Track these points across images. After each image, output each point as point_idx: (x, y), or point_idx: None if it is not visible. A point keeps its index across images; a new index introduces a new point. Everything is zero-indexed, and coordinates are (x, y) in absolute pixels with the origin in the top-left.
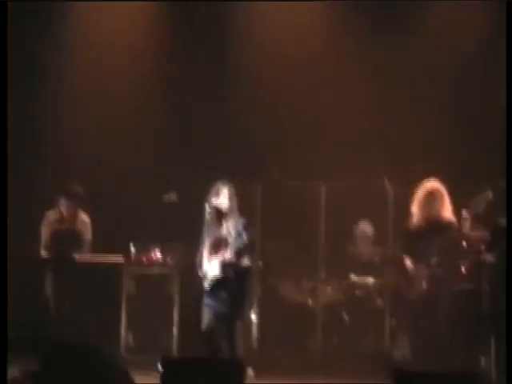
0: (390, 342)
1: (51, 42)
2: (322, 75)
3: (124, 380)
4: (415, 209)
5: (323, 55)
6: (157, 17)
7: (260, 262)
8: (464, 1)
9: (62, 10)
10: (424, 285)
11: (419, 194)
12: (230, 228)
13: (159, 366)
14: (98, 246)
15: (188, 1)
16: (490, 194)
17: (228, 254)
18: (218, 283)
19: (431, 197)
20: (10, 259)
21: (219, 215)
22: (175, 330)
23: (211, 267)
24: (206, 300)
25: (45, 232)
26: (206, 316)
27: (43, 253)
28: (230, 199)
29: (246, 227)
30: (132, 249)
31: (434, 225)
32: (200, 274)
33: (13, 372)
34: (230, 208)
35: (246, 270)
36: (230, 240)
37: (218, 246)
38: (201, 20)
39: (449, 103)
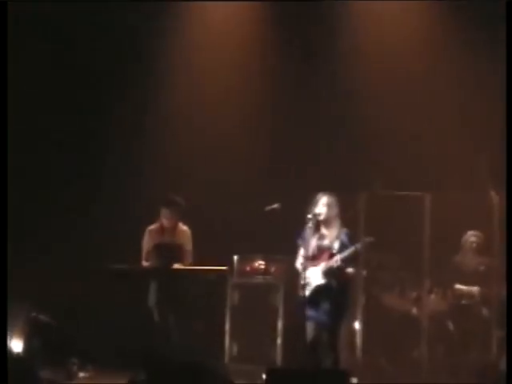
0: (497, 354)
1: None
2: (426, 88)
3: None
4: None
5: (430, 64)
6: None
7: (364, 272)
8: None
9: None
10: None
11: None
12: (332, 237)
13: (263, 377)
14: (202, 258)
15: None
16: None
17: (331, 263)
18: (320, 292)
19: None
20: (115, 273)
21: (319, 223)
22: (279, 341)
23: (313, 276)
24: (309, 310)
25: (146, 244)
26: (310, 326)
27: (145, 264)
28: (331, 208)
29: (350, 237)
30: (235, 260)
31: None
32: (301, 282)
33: (120, 381)
34: (331, 216)
35: (349, 280)
36: (333, 249)
37: (319, 254)
38: (305, 20)
39: None
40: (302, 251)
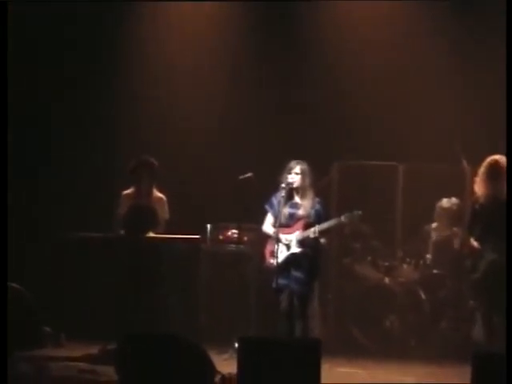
0: (469, 322)
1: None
2: (401, 62)
3: (202, 360)
4: (477, 186)
5: (404, 47)
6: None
7: (337, 242)
8: None
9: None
10: (490, 265)
11: (482, 169)
12: (306, 206)
13: (236, 345)
14: (175, 225)
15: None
16: None
17: (307, 232)
18: (293, 260)
19: (496, 171)
20: (86, 239)
21: (292, 191)
22: (252, 309)
23: (286, 244)
24: (282, 277)
25: (121, 209)
26: (283, 296)
27: (119, 229)
28: (305, 176)
29: (324, 206)
30: (208, 228)
31: (498, 202)
32: (274, 248)
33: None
34: (305, 185)
35: (322, 250)
36: (309, 218)
37: (293, 223)
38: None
39: None
40: (270, 217)
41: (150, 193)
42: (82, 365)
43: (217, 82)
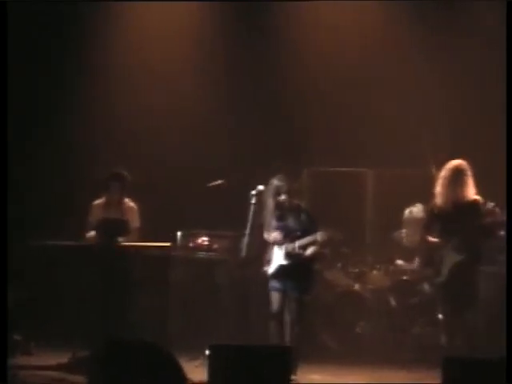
0: (439, 328)
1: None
2: (369, 66)
3: (172, 368)
4: (439, 188)
5: (368, 48)
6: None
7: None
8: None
9: (109, 11)
10: (452, 268)
11: (443, 172)
12: (294, 219)
13: (207, 353)
14: (146, 234)
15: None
16: None
17: (292, 246)
18: (283, 271)
19: (456, 175)
20: (57, 247)
21: (283, 206)
22: (223, 317)
23: (277, 255)
24: (275, 284)
25: (91, 219)
26: (276, 298)
27: (89, 239)
28: (292, 194)
29: (311, 219)
30: (179, 236)
31: (458, 205)
32: (265, 259)
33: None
34: (293, 202)
35: (309, 260)
36: (296, 231)
37: (283, 235)
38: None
39: (493, 93)
40: (266, 229)
41: (121, 203)
42: (52, 373)
43: (189, 91)
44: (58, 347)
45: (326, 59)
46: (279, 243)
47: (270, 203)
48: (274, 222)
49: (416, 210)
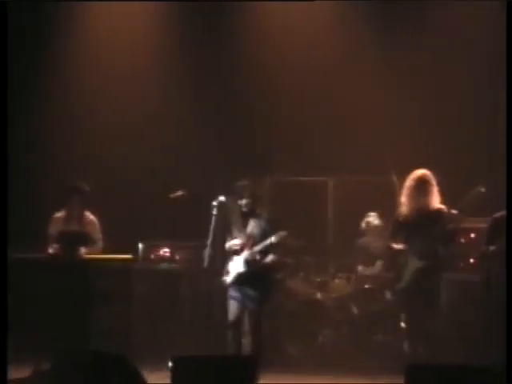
0: (401, 335)
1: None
2: (330, 73)
3: (134, 379)
4: (404, 198)
5: (333, 54)
6: (163, 16)
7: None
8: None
9: (69, 11)
10: (415, 275)
11: (408, 182)
12: (254, 225)
13: (170, 365)
14: (108, 245)
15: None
16: (482, 191)
17: (251, 253)
18: (242, 279)
19: (421, 185)
20: (18, 260)
21: (243, 214)
22: (185, 328)
23: (235, 263)
24: (232, 293)
25: (52, 232)
26: (233, 308)
27: (51, 252)
28: (254, 200)
29: (270, 224)
30: (140, 247)
31: (423, 214)
32: (224, 270)
33: (25, 372)
34: (254, 208)
35: (269, 268)
36: (256, 237)
37: (244, 242)
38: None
39: (452, 103)
40: (228, 238)
41: (82, 216)
42: None
43: (149, 93)
44: (18, 361)
45: (284, 62)
46: (238, 251)
47: (232, 211)
48: (234, 231)
49: (371, 219)
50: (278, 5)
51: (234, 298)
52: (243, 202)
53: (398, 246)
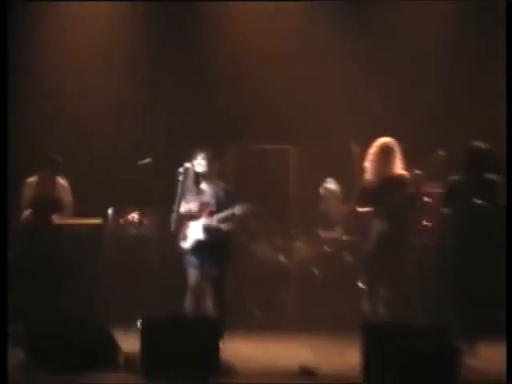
0: (360, 295)
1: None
2: (295, 58)
3: (106, 339)
4: (368, 164)
5: (295, 34)
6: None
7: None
8: None
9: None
10: (381, 237)
11: (372, 150)
12: (211, 193)
13: (139, 325)
14: (79, 211)
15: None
16: (442, 154)
17: (209, 221)
18: (201, 245)
19: (384, 152)
20: None
21: (199, 179)
22: (153, 290)
23: (193, 230)
24: (191, 259)
25: (26, 197)
26: (192, 274)
27: (24, 217)
28: (210, 164)
29: (228, 193)
30: (110, 212)
31: (386, 179)
32: (181, 235)
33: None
34: (211, 172)
35: (228, 234)
36: (212, 206)
37: (200, 209)
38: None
39: (411, 68)
40: (181, 204)
41: (54, 181)
42: None
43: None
44: None
45: (250, 50)
46: (194, 216)
47: (190, 177)
48: (190, 195)
49: (329, 185)
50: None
51: (193, 264)
52: (200, 168)
53: (363, 210)
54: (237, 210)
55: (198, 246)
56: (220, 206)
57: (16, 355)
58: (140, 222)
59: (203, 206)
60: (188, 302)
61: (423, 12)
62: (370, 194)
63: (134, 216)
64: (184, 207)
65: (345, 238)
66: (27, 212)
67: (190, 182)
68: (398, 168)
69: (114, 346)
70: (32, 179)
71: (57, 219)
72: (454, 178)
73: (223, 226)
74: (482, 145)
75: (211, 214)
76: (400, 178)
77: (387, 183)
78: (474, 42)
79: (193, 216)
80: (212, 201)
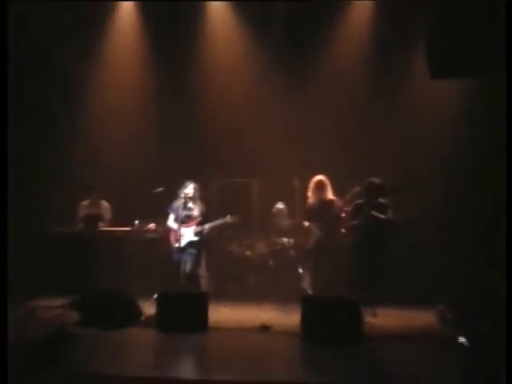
0: (299, 279)
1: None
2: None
3: (132, 306)
4: (310, 193)
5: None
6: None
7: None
8: None
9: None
10: (317, 240)
11: (311, 183)
12: (197, 210)
13: (155, 297)
14: (115, 221)
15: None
16: (358, 189)
17: (200, 228)
18: (191, 244)
19: (319, 185)
20: (58, 232)
21: (187, 200)
22: (165, 275)
23: (186, 234)
24: (184, 254)
25: (80, 214)
26: (185, 264)
27: (79, 227)
28: (196, 190)
29: (207, 210)
30: (136, 222)
31: (321, 203)
32: (176, 238)
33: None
34: (196, 196)
35: (207, 237)
36: (199, 218)
37: (188, 221)
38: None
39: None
40: (172, 216)
41: (98, 203)
42: (57, 310)
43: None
44: (59, 295)
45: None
46: (185, 226)
47: (180, 199)
48: (181, 211)
49: (279, 206)
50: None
51: (185, 258)
52: (188, 192)
53: (306, 224)
54: (228, 219)
55: (189, 245)
56: (204, 219)
57: (73, 317)
58: (155, 230)
59: (192, 218)
60: (183, 282)
61: None
62: (311, 213)
63: (152, 225)
64: (174, 218)
65: (289, 241)
66: (81, 224)
67: (181, 202)
68: (329, 195)
69: (137, 311)
70: (84, 203)
71: (101, 228)
72: (359, 201)
73: (211, 232)
74: (376, 180)
75: (200, 223)
76: (331, 201)
77: (322, 205)
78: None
79: (183, 225)
80: (198, 215)
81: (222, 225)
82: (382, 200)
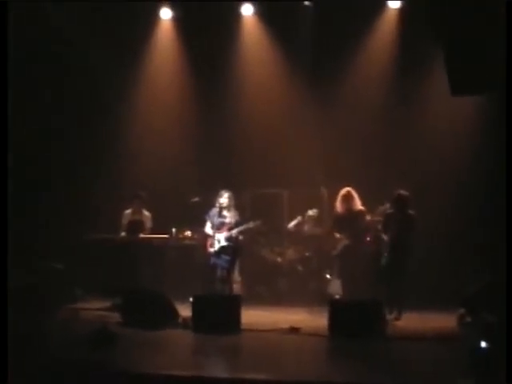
0: (326, 284)
1: None
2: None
3: (170, 308)
4: (338, 204)
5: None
6: None
7: (250, 238)
8: None
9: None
10: (345, 247)
11: (339, 194)
12: (230, 217)
13: (191, 299)
14: (155, 229)
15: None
16: (388, 205)
17: (230, 233)
18: (223, 249)
19: (347, 196)
20: (104, 238)
21: (222, 208)
22: (200, 278)
23: (219, 239)
24: (217, 259)
25: (123, 221)
26: (218, 269)
27: (122, 234)
28: (230, 199)
29: (240, 217)
30: (173, 230)
31: (349, 213)
32: (211, 242)
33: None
34: (230, 204)
35: (240, 243)
36: (232, 224)
37: (222, 227)
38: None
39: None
40: (208, 223)
41: (141, 212)
42: (100, 312)
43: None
44: (104, 298)
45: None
46: (219, 232)
47: (216, 207)
48: (216, 219)
49: (311, 213)
50: None
51: (219, 263)
52: (223, 201)
53: (336, 233)
54: (251, 224)
55: (222, 250)
56: (237, 225)
57: (116, 318)
58: (191, 238)
59: (225, 225)
60: (219, 287)
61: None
62: (339, 223)
63: (188, 233)
64: (210, 225)
65: (318, 248)
66: (125, 231)
67: (216, 211)
68: (357, 205)
69: (174, 313)
70: (128, 211)
71: (142, 235)
72: (389, 211)
73: (240, 237)
74: (404, 192)
75: (230, 229)
76: (359, 212)
77: (350, 215)
78: None
79: (218, 231)
80: (231, 222)
81: (246, 229)
82: (410, 211)
